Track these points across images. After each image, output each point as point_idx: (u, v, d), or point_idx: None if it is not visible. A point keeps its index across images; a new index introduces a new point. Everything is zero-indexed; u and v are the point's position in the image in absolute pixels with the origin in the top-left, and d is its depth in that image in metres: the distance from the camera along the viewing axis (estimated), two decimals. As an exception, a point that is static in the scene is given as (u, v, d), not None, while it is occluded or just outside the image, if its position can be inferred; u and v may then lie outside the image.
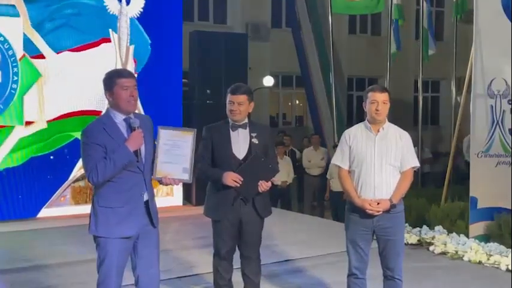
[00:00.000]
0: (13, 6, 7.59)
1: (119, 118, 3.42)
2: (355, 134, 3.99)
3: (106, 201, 3.40)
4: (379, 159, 3.88)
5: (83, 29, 8.10)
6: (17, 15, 7.63)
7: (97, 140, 3.33)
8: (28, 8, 7.71)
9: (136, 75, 7.39)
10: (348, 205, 4.05)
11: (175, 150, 3.52)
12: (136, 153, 3.38)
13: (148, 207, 3.47)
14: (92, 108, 8.11)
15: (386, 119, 3.99)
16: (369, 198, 3.86)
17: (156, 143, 3.51)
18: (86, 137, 3.37)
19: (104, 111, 7.90)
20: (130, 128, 3.39)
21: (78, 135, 7.70)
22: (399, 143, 3.92)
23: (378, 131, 3.93)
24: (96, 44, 8.20)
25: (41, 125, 7.82)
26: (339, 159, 4.03)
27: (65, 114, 8.02)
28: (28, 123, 7.77)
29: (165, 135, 3.53)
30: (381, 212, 3.84)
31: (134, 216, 3.41)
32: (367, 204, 3.84)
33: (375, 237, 4.01)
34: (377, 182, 3.87)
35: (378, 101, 3.87)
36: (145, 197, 3.47)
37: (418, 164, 4.04)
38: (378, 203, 3.83)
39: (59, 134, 7.98)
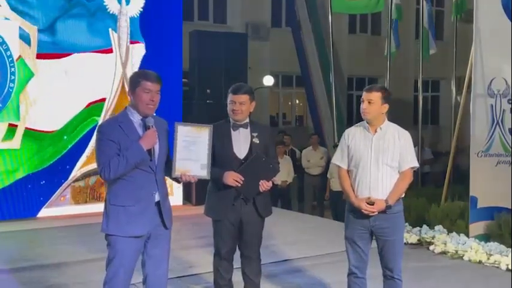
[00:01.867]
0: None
1: (136, 117, 3.44)
2: (354, 133, 3.99)
3: (117, 199, 3.40)
4: (375, 159, 3.88)
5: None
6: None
7: (111, 137, 3.34)
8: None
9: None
10: (347, 204, 4.05)
11: (193, 146, 3.56)
12: (150, 152, 3.39)
13: (160, 208, 3.47)
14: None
15: (386, 119, 3.99)
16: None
17: (174, 139, 3.53)
18: (100, 133, 3.40)
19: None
20: (145, 127, 3.42)
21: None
22: (397, 143, 3.90)
23: (376, 130, 3.93)
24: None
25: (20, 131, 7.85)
26: (339, 158, 4.04)
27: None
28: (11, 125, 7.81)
29: (183, 131, 3.56)
30: (375, 213, 3.84)
31: (145, 215, 3.41)
32: (363, 204, 3.84)
33: (374, 237, 4.01)
34: (373, 181, 3.86)
35: (364, 100, 3.89)
36: (157, 197, 3.46)
37: (417, 165, 4.02)
38: (373, 203, 3.83)
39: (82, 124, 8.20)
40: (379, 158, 3.87)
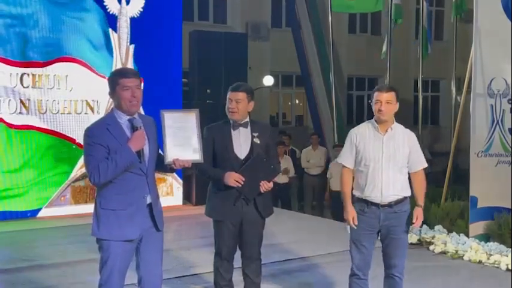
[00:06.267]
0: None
1: (123, 118, 3.38)
2: (363, 133, 3.97)
3: (108, 203, 3.35)
4: (387, 160, 3.88)
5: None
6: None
7: (100, 140, 3.28)
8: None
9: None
10: (355, 205, 3.99)
11: (182, 132, 3.50)
12: (139, 154, 3.34)
13: (152, 210, 3.44)
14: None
15: (394, 119, 3.99)
16: (377, 198, 3.88)
17: (162, 128, 3.48)
18: (88, 137, 3.32)
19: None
20: (133, 128, 3.36)
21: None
22: (407, 143, 3.93)
23: (386, 131, 3.92)
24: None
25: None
26: (343, 157, 4.02)
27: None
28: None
29: (170, 118, 3.50)
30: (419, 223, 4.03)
31: (137, 219, 3.37)
32: (351, 217, 3.90)
33: (379, 237, 4.01)
34: (384, 182, 3.87)
35: (382, 101, 3.87)
36: (148, 200, 3.42)
37: (426, 164, 4.07)
38: (417, 218, 3.99)
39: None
40: (390, 159, 3.88)
